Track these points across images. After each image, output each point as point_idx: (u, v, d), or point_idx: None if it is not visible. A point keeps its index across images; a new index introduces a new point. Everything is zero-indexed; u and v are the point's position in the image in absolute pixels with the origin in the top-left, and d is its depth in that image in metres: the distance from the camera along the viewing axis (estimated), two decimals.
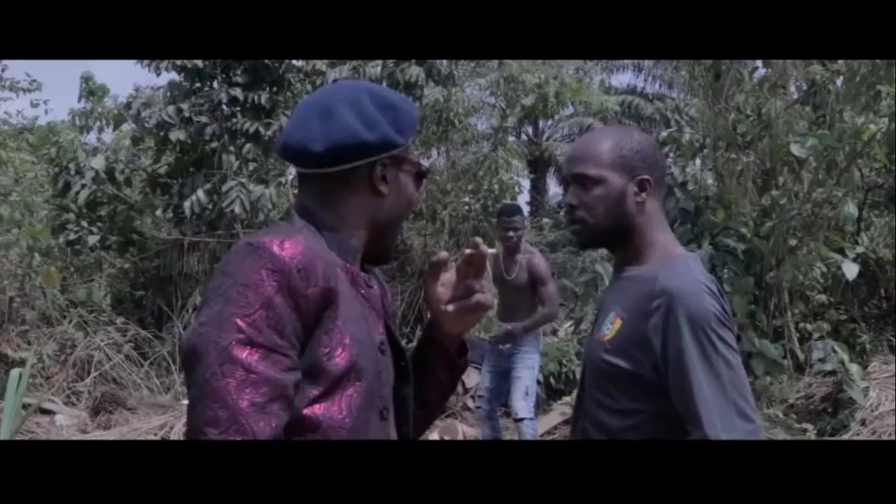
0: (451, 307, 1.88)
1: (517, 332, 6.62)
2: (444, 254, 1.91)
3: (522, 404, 6.67)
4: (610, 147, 2.23)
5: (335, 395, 1.62)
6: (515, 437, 7.09)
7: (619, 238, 2.26)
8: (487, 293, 1.89)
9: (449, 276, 1.90)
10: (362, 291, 1.75)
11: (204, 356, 1.51)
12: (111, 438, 7.44)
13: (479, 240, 1.88)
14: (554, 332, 10.98)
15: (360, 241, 1.77)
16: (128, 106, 10.14)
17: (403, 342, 1.89)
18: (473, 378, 8.77)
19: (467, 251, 1.86)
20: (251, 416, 1.49)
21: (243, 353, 1.50)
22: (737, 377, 2.01)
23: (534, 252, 6.98)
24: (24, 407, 7.30)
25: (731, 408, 1.96)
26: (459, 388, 9.04)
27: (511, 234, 6.74)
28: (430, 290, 1.90)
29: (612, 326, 2.17)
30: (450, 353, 1.96)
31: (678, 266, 2.15)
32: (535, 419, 6.90)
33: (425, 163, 11.98)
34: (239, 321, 1.51)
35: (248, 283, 1.54)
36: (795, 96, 10.11)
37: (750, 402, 2.01)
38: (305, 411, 1.59)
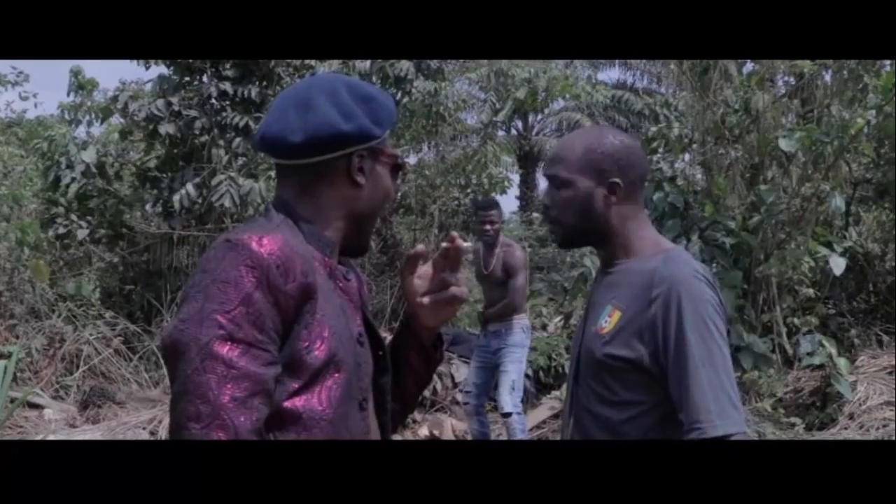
0: (426, 299, 1.91)
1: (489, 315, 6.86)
2: (421, 247, 1.94)
3: (508, 399, 6.68)
4: (582, 150, 2.27)
5: (315, 388, 1.64)
6: (504, 433, 7.09)
7: (596, 238, 2.32)
8: (463, 286, 1.91)
9: (426, 269, 1.92)
10: (340, 284, 1.78)
11: (185, 352, 1.53)
12: (100, 433, 7.43)
13: (455, 234, 1.91)
14: (543, 327, 11.00)
15: (338, 232, 1.79)
16: (115, 99, 10.12)
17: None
18: (462, 372, 8.77)
19: (444, 244, 1.89)
20: (232, 410, 1.50)
21: (224, 349, 1.52)
22: (728, 367, 2.06)
23: (511, 244, 7.01)
24: (12, 401, 7.30)
25: (724, 396, 2.01)
26: (448, 382, 9.05)
27: (488, 227, 6.78)
28: (406, 282, 1.92)
29: (609, 319, 2.19)
30: (426, 345, 1.98)
31: (675, 256, 2.19)
32: (522, 413, 6.89)
33: (413, 157, 12.00)
34: (219, 317, 1.53)
35: (227, 280, 1.55)
36: (783, 90, 10.13)
37: (737, 392, 2.06)
38: (286, 404, 1.61)
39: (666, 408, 2.08)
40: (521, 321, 6.91)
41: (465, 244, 1.92)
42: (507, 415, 6.68)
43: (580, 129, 2.69)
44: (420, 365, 1.99)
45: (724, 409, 1.99)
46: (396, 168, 1.87)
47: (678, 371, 2.04)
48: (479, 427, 6.94)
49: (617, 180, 2.25)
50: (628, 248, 2.26)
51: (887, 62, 8.13)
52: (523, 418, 6.90)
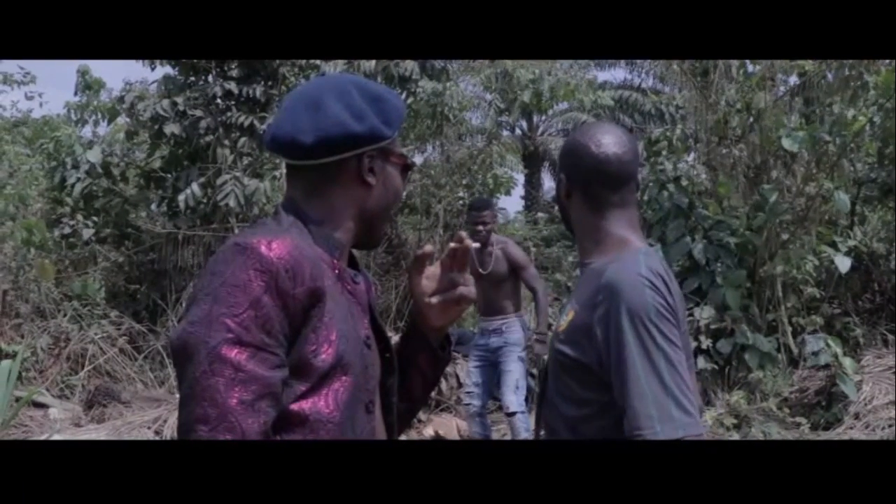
0: (434, 299, 1.91)
1: (545, 335, 6.54)
2: (428, 247, 1.95)
3: (513, 398, 6.63)
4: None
5: (322, 391, 1.64)
6: (507, 432, 7.05)
7: (569, 229, 2.41)
8: (471, 286, 1.92)
9: (433, 270, 1.94)
10: (348, 287, 1.77)
11: (194, 355, 1.53)
12: (105, 432, 7.45)
13: (463, 233, 1.92)
14: (549, 327, 11.00)
15: (348, 233, 1.80)
16: (121, 99, 10.14)
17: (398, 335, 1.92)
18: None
19: (451, 245, 1.90)
20: (240, 413, 1.51)
21: (232, 353, 1.52)
22: (675, 371, 2.01)
23: (506, 241, 6.97)
24: (17, 400, 7.32)
25: (668, 400, 1.96)
26: (454, 382, 9.05)
27: (480, 227, 6.68)
28: (414, 282, 1.93)
29: (566, 318, 2.21)
30: (433, 345, 1.98)
31: (625, 259, 2.16)
32: (526, 412, 6.81)
33: (418, 157, 12.01)
34: (228, 321, 1.53)
35: (236, 284, 1.55)
36: (784, 90, 10.12)
37: (689, 396, 2.01)
38: (293, 407, 1.61)
39: (618, 410, 2.05)
40: (521, 318, 6.91)
41: (474, 244, 1.93)
42: (512, 414, 6.62)
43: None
44: (428, 365, 2.00)
45: (667, 414, 1.95)
46: (406, 168, 1.88)
47: (619, 379, 2.01)
48: (482, 430, 6.86)
49: (562, 177, 2.33)
50: (596, 246, 2.27)
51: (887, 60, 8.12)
52: (527, 417, 6.82)
